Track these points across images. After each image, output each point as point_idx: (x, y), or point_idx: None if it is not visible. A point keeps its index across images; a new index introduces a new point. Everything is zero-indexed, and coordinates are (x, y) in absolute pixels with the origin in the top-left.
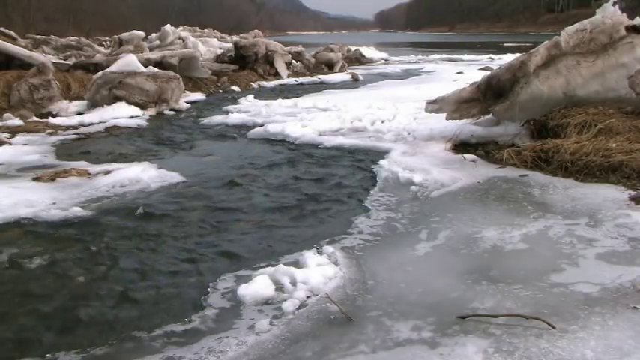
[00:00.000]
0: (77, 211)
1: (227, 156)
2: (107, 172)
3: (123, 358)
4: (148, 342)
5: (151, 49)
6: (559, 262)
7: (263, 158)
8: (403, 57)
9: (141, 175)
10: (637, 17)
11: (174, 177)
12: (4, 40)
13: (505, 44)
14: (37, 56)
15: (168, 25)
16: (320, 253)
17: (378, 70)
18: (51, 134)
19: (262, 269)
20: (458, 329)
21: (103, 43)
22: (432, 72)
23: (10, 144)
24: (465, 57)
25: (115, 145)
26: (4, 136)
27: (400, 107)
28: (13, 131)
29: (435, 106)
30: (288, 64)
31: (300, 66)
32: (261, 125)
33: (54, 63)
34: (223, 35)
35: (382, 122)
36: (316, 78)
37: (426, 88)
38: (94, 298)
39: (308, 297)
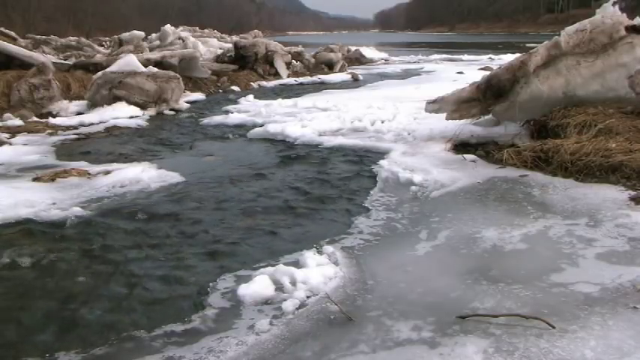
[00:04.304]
0: (77, 211)
1: (227, 156)
2: (107, 172)
3: (123, 358)
4: (148, 342)
5: (151, 49)
6: (559, 262)
7: (263, 158)
8: (403, 57)
9: (141, 175)
10: (637, 17)
11: (174, 177)
12: (4, 40)
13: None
14: (37, 56)
15: (168, 25)
16: (320, 253)
17: (378, 70)
18: (51, 134)
19: (262, 269)
20: (458, 329)
21: (103, 43)
22: (432, 72)
23: (10, 144)
24: (465, 57)
25: (115, 145)
26: (4, 136)
27: (400, 107)
28: (13, 131)
29: (435, 106)
30: (288, 64)
31: (300, 66)
32: (261, 125)
33: (54, 63)
34: (223, 35)
35: (382, 122)
36: (316, 78)
37: (426, 88)
38: (94, 298)
39: (308, 297)
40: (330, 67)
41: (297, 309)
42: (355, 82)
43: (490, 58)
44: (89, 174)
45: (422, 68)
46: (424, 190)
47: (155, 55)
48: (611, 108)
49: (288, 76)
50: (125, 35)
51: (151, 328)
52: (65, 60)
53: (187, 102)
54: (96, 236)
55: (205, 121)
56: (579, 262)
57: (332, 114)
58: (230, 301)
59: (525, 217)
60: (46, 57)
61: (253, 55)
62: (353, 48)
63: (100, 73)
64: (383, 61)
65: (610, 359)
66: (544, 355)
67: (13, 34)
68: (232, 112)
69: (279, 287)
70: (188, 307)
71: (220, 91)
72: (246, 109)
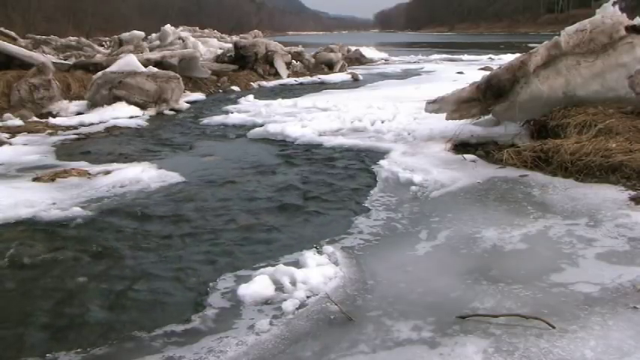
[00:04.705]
0: (77, 211)
1: (227, 156)
2: (107, 172)
3: (123, 358)
4: (148, 342)
5: (151, 49)
6: (559, 262)
7: (263, 158)
8: (403, 57)
9: (141, 175)
10: (637, 17)
11: (174, 177)
12: (4, 40)
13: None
14: (37, 56)
15: (168, 25)
16: (320, 253)
17: (378, 70)
18: (51, 134)
19: (262, 269)
20: (458, 329)
21: (103, 43)
22: (432, 72)
23: (10, 144)
24: (465, 57)
25: (115, 145)
26: (4, 136)
27: (400, 107)
28: (13, 131)
29: (435, 106)
30: (288, 64)
31: (300, 66)
32: (261, 125)
33: (54, 63)
34: (223, 35)
35: (382, 122)
36: (316, 78)
37: (426, 88)
38: (94, 298)
39: (308, 297)
40: (330, 67)
41: (297, 309)
42: (355, 82)
43: (490, 58)
44: (89, 174)
45: (422, 68)
46: (424, 190)
47: (155, 55)
48: (611, 108)
49: (288, 76)
50: (125, 35)
51: (151, 328)
52: (65, 60)
53: (187, 102)
54: (96, 236)
55: (205, 121)
56: (579, 262)
57: (332, 114)
58: (230, 301)
59: (525, 217)
60: (46, 57)
61: (253, 55)
62: (353, 48)
63: (100, 73)
64: (383, 61)
65: (610, 359)
66: (544, 355)
67: (13, 34)
68: (232, 112)
69: (279, 287)
70: (188, 307)
71: (220, 91)
72: (246, 109)
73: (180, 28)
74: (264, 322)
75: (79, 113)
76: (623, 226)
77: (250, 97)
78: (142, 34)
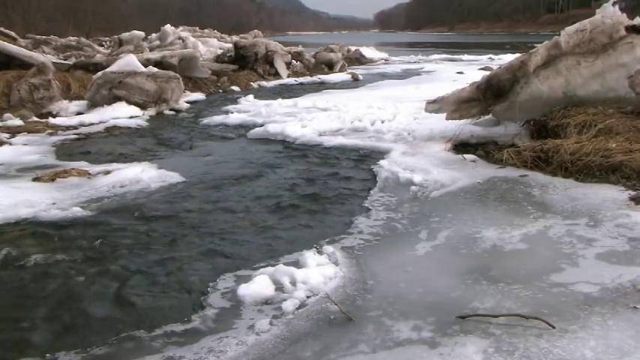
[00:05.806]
0: (77, 211)
1: (227, 156)
2: (107, 172)
3: (123, 358)
4: (148, 342)
5: (151, 49)
6: (559, 262)
7: (263, 158)
8: (403, 57)
9: (141, 175)
10: (637, 17)
11: (174, 177)
12: (4, 40)
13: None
14: (37, 56)
15: (168, 25)
16: (320, 253)
17: (378, 70)
18: (51, 134)
19: (262, 269)
20: (458, 329)
21: (103, 43)
22: (432, 72)
23: (10, 144)
24: (465, 57)
25: (115, 145)
26: (4, 136)
27: (400, 107)
28: (13, 131)
29: (435, 106)
30: (288, 64)
31: (300, 66)
32: (261, 125)
33: (54, 63)
34: (223, 35)
35: (382, 122)
36: (316, 78)
37: (426, 88)
38: (94, 298)
39: (308, 297)
40: (330, 67)
41: (297, 309)
42: (355, 82)
43: (490, 58)
44: (89, 174)
45: (422, 68)
46: (424, 190)
47: (155, 55)
48: (611, 108)
49: (288, 76)
50: (125, 35)
51: (151, 328)
52: (65, 60)
53: (187, 102)
54: (96, 236)
55: (205, 121)
56: (579, 262)
57: (332, 114)
58: (230, 301)
59: (525, 217)
60: (46, 57)
61: (253, 55)
62: (353, 48)
63: (100, 73)
64: (383, 61)
65: (610, 359)
66: (544, 355)
67: (13, 34)
68: (232, 112)
69: (279, 287)
70: (188, 307)
71: (220, 91)
72: (246, 109)
73: (180, 28)
74: (264, 322)
75: (79, 113)
76: (623, 226)
77: (250, 97)
78: (142, 34)
